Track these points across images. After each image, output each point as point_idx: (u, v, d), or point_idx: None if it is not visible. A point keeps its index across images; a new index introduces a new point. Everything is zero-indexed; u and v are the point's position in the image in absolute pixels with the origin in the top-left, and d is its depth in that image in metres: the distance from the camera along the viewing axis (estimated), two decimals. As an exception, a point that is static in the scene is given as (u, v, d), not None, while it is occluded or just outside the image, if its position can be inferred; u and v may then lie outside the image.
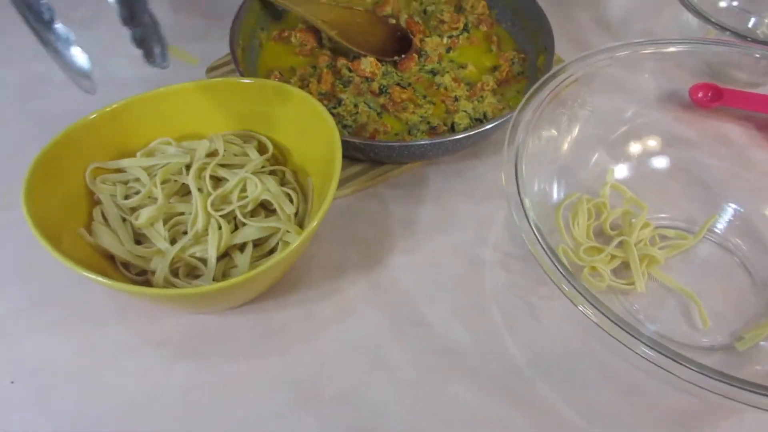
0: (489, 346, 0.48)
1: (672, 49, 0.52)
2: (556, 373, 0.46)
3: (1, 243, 0.53)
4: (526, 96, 0.49)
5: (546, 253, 0.40)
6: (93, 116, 0.49)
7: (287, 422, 0.44)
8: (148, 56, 0.44)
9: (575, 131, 0.52)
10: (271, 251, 0.49)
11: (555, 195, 0.50)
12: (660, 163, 0.52)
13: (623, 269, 0.51)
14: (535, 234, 0.40)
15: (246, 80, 0.52)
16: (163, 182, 0.49)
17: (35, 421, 0.44)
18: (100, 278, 0.41)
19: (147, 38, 0.43)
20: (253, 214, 0.50)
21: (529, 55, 0.63)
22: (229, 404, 0.45)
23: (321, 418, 0.44)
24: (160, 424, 0.44)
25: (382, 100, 0.59)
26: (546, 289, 0.50)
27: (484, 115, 0.58)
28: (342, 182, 0.56)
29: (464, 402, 0.45)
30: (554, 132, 0.50)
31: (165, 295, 0.42)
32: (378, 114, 0.58)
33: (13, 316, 0.49)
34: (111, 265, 0.48)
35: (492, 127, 0.53)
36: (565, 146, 0.51)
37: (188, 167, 0.50)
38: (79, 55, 0.42)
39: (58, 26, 0.41)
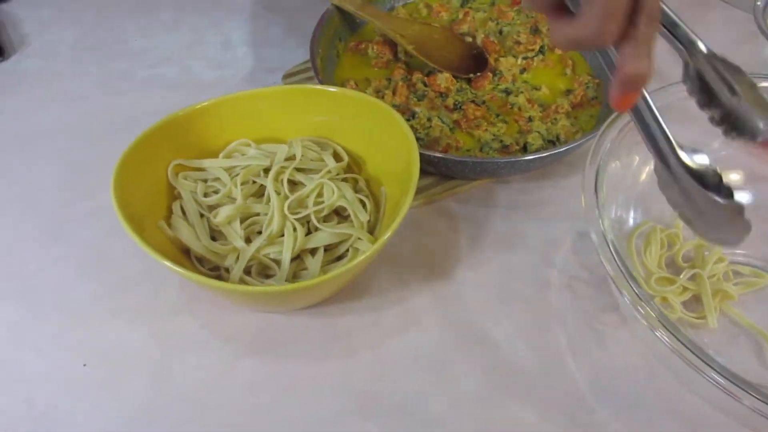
0: (552, 369, 0.47)
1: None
2: (620, 402, 0.46)
3: (82, 231, 0.55)
4: (608, 121, 0.48)
5: (624, 276, 0.39)
6: (179, 114, 0.51)
7: (347, 426, 0.44)
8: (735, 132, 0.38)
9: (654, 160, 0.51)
10: (340, 257, 0.50)
11: (630, 222, 0.49)
12: (740, 198, 0.51)
13: (694, 303, 0.50)
14: (614, 256, 0.40)
15: (330, 88, 0.53)
16: (242, 183, 0.50)
17: (104, 405, 0.45)
18: (179, 269, 0.42)
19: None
20: (326, 219, 0.51)
21: (603, 80, 0.63)
22: (291, 404, 0.46)
23: (381, 426, 0.44)
24: (223, 418, 0.45)
25: (455, 115, 0.60)
26: (613, 316, 0.50)
27: (557, 138, 0.58)
28: (411, 194, 0.56)
29: (525, 423, 0.45)
30: (634, 158, 0.49)
31: (241, 291, 0.43)
32: (450, 129, 0.59)
33: (90, 301, 0.51)
34: (186, 258, 0.50)
35: (566, 149, 0.53)
36: (643, 175, 0.50)
37: (266, 170, 0.52)
38: None
39: None
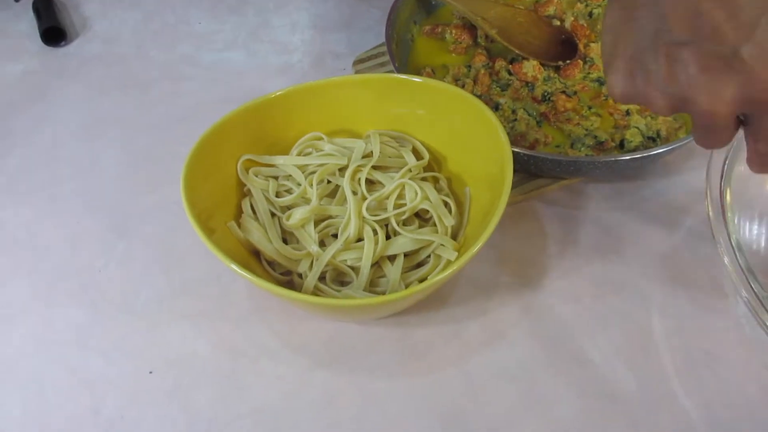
0: (657, 396, 0.43)
1: None
2: (738, 436, 0.41)
3: (147, 225, 0.53)
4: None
5: (758, 298, 0.34)
6: (250, 105, 0.47)
7: (431, 451, 0.41)
8: None
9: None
10: (420, 263, 0.46)
11: (755, 233, 0.44)
12: None
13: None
14: (746, 276, 0.35)
15: (414, 78, 0.48)
16: (317, 183, 0.47)
17: (171, 416, 0.43)
18: (249, 275, 0.39)
19: None
20: (405, 222, 0.47)
21: (709, 69, 0.57)
22: (368, 421, 0.42)
23: (468, 453, 0.41)
24: (296, 435, 0.42)
25: (543, 108, 0.55)
26: (728, 337, 0.45)
27: (658, 134, 0.52)
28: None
29: (629, 456, 0.40)
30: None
31: (318, 303, 0.40)
32: (538, 123, 0.54)
33: (155, 303, 0.48)
34: (256, 261, 0.46)
35: (673, 148, 0.48)
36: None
37: (341, 168, 0.48)
38: None
39: None
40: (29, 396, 0.44)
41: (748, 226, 0.43)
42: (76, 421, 0.43)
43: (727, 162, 0.43)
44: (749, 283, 0.35)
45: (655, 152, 0.47)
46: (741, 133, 0.33)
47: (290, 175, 0.48)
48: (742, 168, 0.43)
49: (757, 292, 0.35)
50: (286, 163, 0.48)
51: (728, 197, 0.41)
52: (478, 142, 0.46)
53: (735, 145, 0.42)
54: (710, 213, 0.39)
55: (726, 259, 0.36)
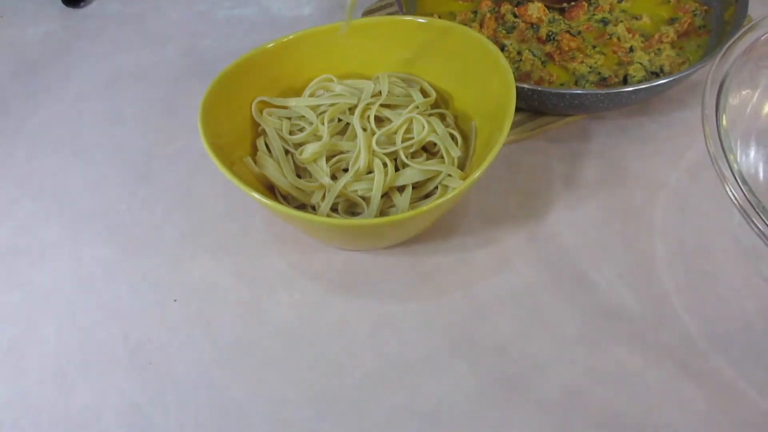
0: (659, 314, 0.44)
1: None
2: (736, 349, 0.42)
3: (167, 172, 0.55)
4: (725, 48, 0.44)
5: (753, 205, 0.35)
6: (263, 49, 0.49)
7: (440, 365, 0.43)
8: None
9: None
10: (428, 195, 0.48)
11: (751, 157, 0.45)
12: None
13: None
14: (740, 185, 0.36)
15: (419, 19, 0.50)
16: (329, 121, 0.49)
17: (196, 339, 0.45)
18: (268, 201, 0.41)
19: None
20: (413, 155, 0.49)
21: (713, 6, 0.57)
22: (382, 342, 0.44)
23: (475, 367, 0.43)
24: (313, 354, 0.44)
25: (548, 48, 0.56)
26: (727, 258, 0.46)
27: (661, 69, 0.53)
28: (501, 131, 0.53)
29: (630, 367, 0.42)
30: (755, 90, 0.45)
31: (330, 224, 0.42)
32: (542, 62, 0.55)
33: (178, 240, 0.51)
34: (271, 196, 0.49)
35: (670, 81, 0.49)
36: (766, 108, 0.46)
37: (351, 108, 0.50)
38: None
39: None
40: (63, 323, 0.46)
41: (743, 149, 0.44)
42: (107, 344, 0.45)
43: (722, 92, 0.44)
44: (743, 190, 0.36)
45: (657, 83, 0.48)
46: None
47: (303, 116, 0.50)
48: (737, 100, 0.44)
49: (749, 199, 0.36)
50: (298, 104, 0.50)
51: (724, 122, 0.42)
52: (483, 77, 0.48)
53: (730, 74, 0.43)
54: (707, 134, 0.40)
55: (720, 167, 0.38)
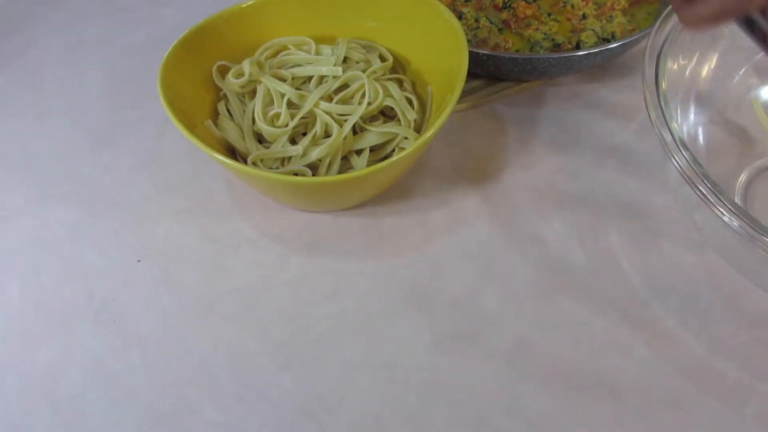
0: (605, 268, 0.46)
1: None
2: (675, 299, 0.45)
3: (131, 137, 0.56)
4: (663, 14, 0.46)
5: (692, 166, 0.38)
6: (223, 13, 0.50)
7: (397, 320, 0.45)
8: None
9: (715, 55, 0.49)
10: (386, 157, 0.49)
11: (691, 118, 0.47)
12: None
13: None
14: (680, 148, 0.38)
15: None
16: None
17: (161, 297, 0.46)
18: (230, 161, 0.42)
19: None
20: (371, 119, 0.50)
21: (663, -24, 0.59)
22: (341, 298, 0.46)
23: (431, 320, 0.45)
24: (274, 310, 0.46)
25: (504, 15, 0.57)
26: (669, 214, 0.48)
27: (612, 36, 0.55)
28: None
29: (577, 318, 0.44)
30: (693, 55, 0.47)
31: (289, 181, 0.43)
32: (499, 30, 0.57)
33: (142, 202, 0.52)
34: (233, 159, 0.49)
35: (620, 45, 0.51)
36: (704, 71, 0.48)
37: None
38: None
39: None
40: (27, 283, 0.47)
41: (683, 113, 0.46)
42: (71, 302, 0.46)
43: (661, 57, 0.45)
44: (681, 151, 0.38)
45: (606, 48, 0.50)
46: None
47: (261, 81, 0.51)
48: (675, 65, 0.46)
49: (688, 159, 0.38)
50: (260, 78, 0.50)
51: (663, 86, 0.44)
52: (437, 41, 0.49)
53: (669, 39, 0.45)
54: (647, 100, 0.42)
55: (662, 134, 0.39)
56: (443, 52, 0.49)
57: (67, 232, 0.50)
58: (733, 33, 0.47)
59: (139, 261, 0.48)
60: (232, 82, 0.50)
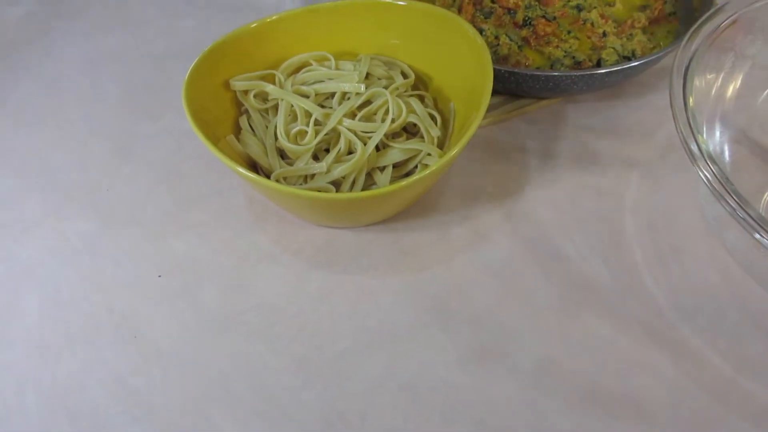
0: (629, 285, 0.46)
1: None
2: (702, 318, 0.44)
3: (150, 150, 0.56)
4: (691, 31, 0.46)
5: (721, 181, 0.37)
6: (248, 28, 0.50)
7: (419, 336, 0.44)
8: None
9: (740, 75, 0.49)
10: (408, 173, 0.49)
11: (717, 136, 0.47)
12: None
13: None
14: (708, 164, 0.38)
15: (400, 2, 0.51)
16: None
17: (181, 312, 0.46)
18: (253, 175, 0.42)
19: None
20: (394, 136, 0.50)
21: (682, -5, 0.60)
22: (362, 314, 0.46)
23: (454, 336, 0.44)
24: (295, 326, 0.45)
25: (524, 32, 0.57)
26: (693, 232, 0.48)
27: (633, 53, 0.55)
28: (479, 113, 0.55)
29: (602, 336, 0.44)
30: (719, 73, 0.47)
31: (313, 198, 0.43)
32: (519, 47, 0.57)
33: (161, 217, 0.51)
34: (256, 174, 0.49)
35: (642, 63, 0.51)
36: (729, 90, 0.48)
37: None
38: None
39: None
40: (46, 297, 0.47)
41: (708, 131, 0.46)
42: (91, 317, 0.46)
43: (688, 74, 0.45)
44: (712, 169, 0.38)
45: (628, 66, 0.50)
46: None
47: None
48: (702, 83, 0.46)
49: (719, 178, 0.38)
50: (281, 95, 0.50)
51: (691, 103, 0.44)
52: (461, 60, 0.49)
53: (696, 57, 0.45)
54: (675, 114, 0.42)
55: (689, 147, 0.39)
56: (466, 69, 0.49)
57: (86, 245, 0.50)
58: (759, 52, 0.48)
59: (159, 276, 0.48)
60: (254, 103, 0.50)
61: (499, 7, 0.59)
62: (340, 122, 0.48)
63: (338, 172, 0.46)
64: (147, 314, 0.46)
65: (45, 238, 0.50)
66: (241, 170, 0.42)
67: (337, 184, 0.47)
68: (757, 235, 0.37)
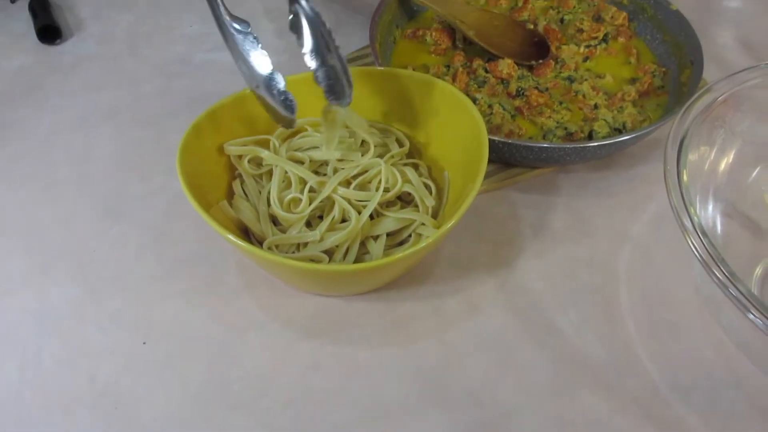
0: (624, 361, 0.46)
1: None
2: (698, 396, 0.44)
3: (139, 211, 0.55)
4: (685, 107, 0.47)
5: (713, 257, 0.37)
6: (246, 92, 0.50)
7: (412, 413, 0.43)
8: (333, 94, 0.45)
9: (732, 151, 0.50)
10: (402, 242, 0.49)
11: (709, 210, 0.48)
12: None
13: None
14: (701, 239, 0.38)
15: (399, 70, 0.52)
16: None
17: (165, 382, 0.45)
18: (243, 243, 0.41)
19: (334, 79, 0.45)
20: (388, 204, 0.50)
21: (670, 69, 0.61)
22: (353, 388, 0.45)
23: (447, 414, 0.43)
24: (283, 399, 0.44)
25: (517, 102, 0.58)
26: (687, 306, 0.48)
27: (624, 126, 0.56)
28: (472, 181, 0.55)
29: (598, 415, 0.43)
30: (712, 147, 0.47)
31: (306, 269, 0.42)
32: (512, 116, 0.57)
33: (148, 281, 0.50)
34: (246, 240, 0.49)
35: (633, 137, 0.51)
36: (722, 165, 0.48)
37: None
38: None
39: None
40: (26, 363, 0.45)
41: (701, 204, 0.47)
42: (73, 386, 0.44)
43: (682, 148, 0.46)
44: (703, 243, 0.38)
45: (621, 139, 0.51)
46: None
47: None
48: (695, 156, 0.47)
49: (710, 251, 0.38)
50: (277, 162, 0.50)
51: (685, 177, 0.44)
52: (456, 129, 0.50)
53: (689, 132, 0.46)
54: (669, 188, 0.42)
55: (682, 218, 0.40)
56: (461, 139, 0.49)
57: (70, 310, 0.48)
58: (749, 130, 0.49)
59: (144, 343, 0.47)
60: (248, 168, 0.50)
61: (493, 77, 0.60)
62: (334, 190, 0.48)
63: (331, 241, 0.46)
64: (130, 383, 0.45)
65: (28, 301, 0.49)
66: (233, 238, 0.42)
67: (330, 252, 0.47)
68: (751, 315, 0.37)
